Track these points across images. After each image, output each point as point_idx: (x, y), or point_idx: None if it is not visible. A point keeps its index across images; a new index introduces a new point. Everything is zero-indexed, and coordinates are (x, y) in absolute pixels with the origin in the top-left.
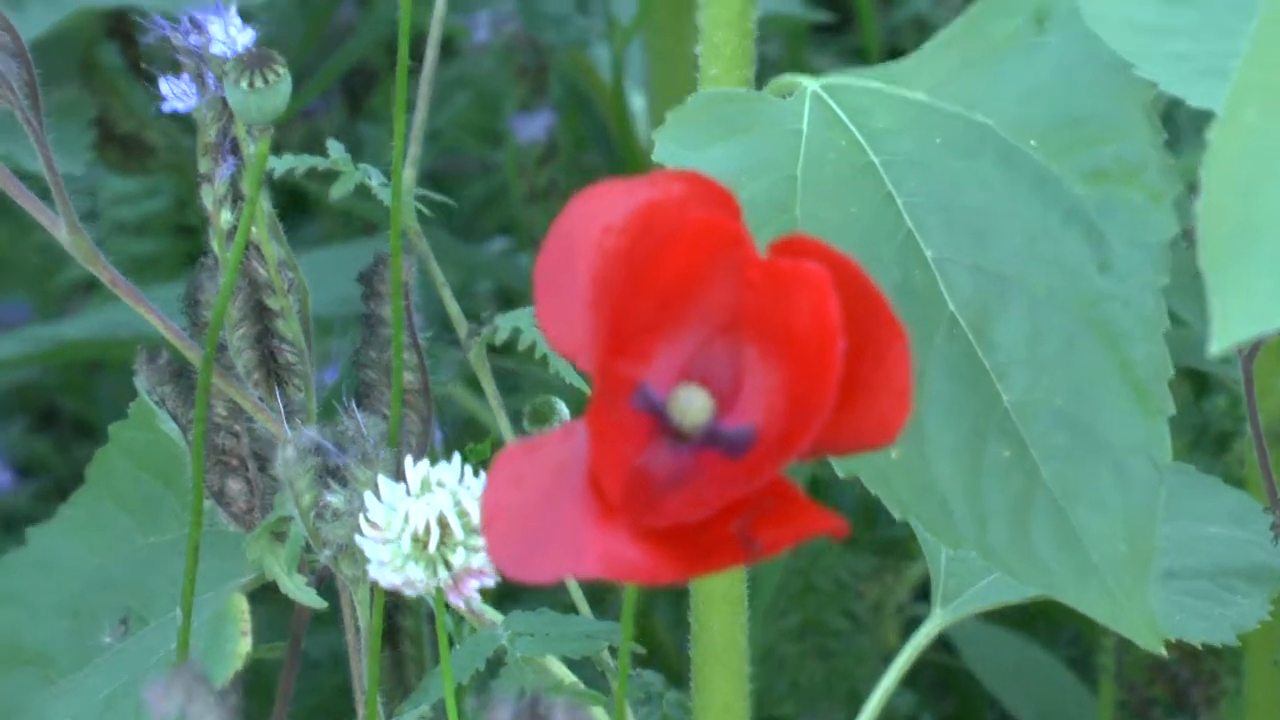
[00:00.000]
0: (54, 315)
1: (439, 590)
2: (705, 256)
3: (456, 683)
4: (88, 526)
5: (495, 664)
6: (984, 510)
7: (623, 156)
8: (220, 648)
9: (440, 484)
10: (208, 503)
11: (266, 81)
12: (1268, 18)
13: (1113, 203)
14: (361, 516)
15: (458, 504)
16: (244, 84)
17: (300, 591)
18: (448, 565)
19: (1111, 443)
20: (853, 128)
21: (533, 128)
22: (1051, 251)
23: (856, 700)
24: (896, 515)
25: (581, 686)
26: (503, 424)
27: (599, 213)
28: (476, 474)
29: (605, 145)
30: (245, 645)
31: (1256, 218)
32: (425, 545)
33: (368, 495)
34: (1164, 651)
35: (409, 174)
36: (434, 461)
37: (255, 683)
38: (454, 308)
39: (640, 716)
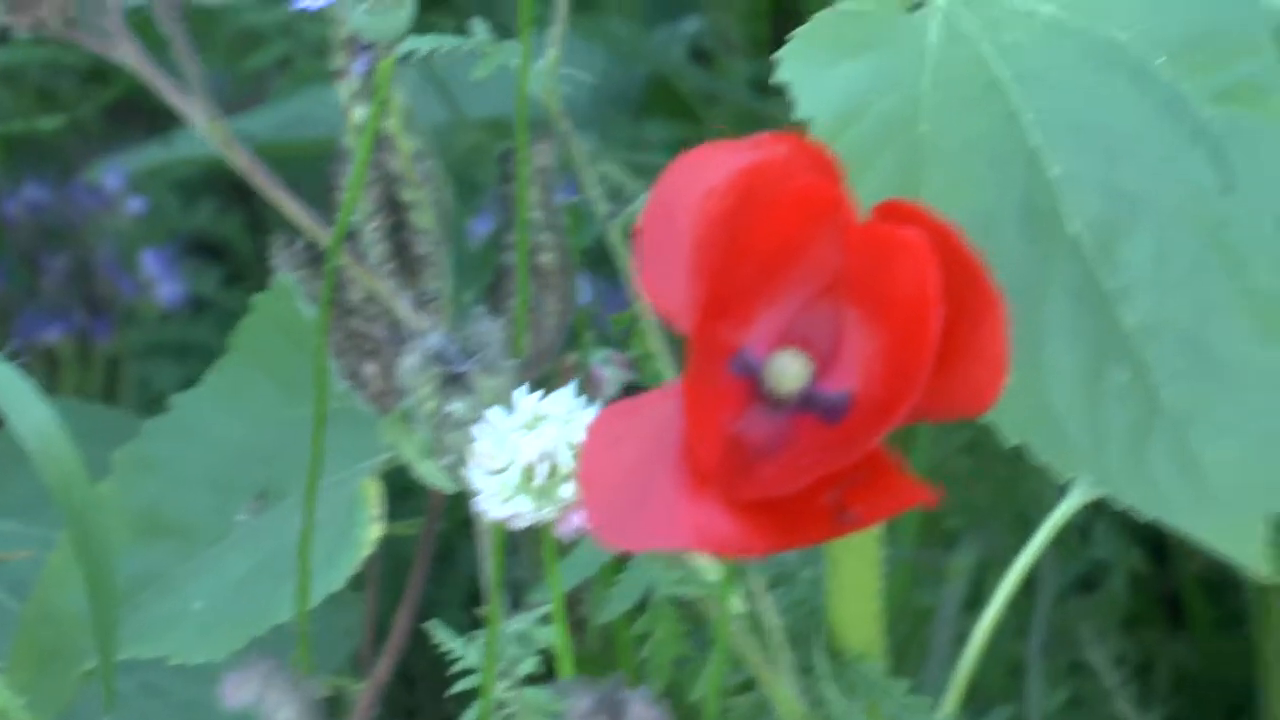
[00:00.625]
0: (249, 94)
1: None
2: (807, 221)
3: (584, 576)
4: (232, 397)
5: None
6: (1101, 434)
7: None
8: (350, 533)
9: (550, 416)
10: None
11: (386, 2)
12: None
13: (1240, 125)
14: (470, 449)
15: (567, 437)
16: (367, 3)
17: (434, 475)
18: (555, 499)
19: (1233, 367)
20: (981, 43)
21: None
22: (1178, 173)
23: (1025, 523)
24: (1009, 440)
25: (711, 575)
26: (644, 305)
27: (701, 176)
28: (591, 402)
29: None
30: (376, 532)
31: None
32: (533, 478)
33: (477, 428)
34: (1272, 578)
35: (552, 53)
36: (575, 342)
37: (394, 557)
38: (594, 191)
39: (776, 596)
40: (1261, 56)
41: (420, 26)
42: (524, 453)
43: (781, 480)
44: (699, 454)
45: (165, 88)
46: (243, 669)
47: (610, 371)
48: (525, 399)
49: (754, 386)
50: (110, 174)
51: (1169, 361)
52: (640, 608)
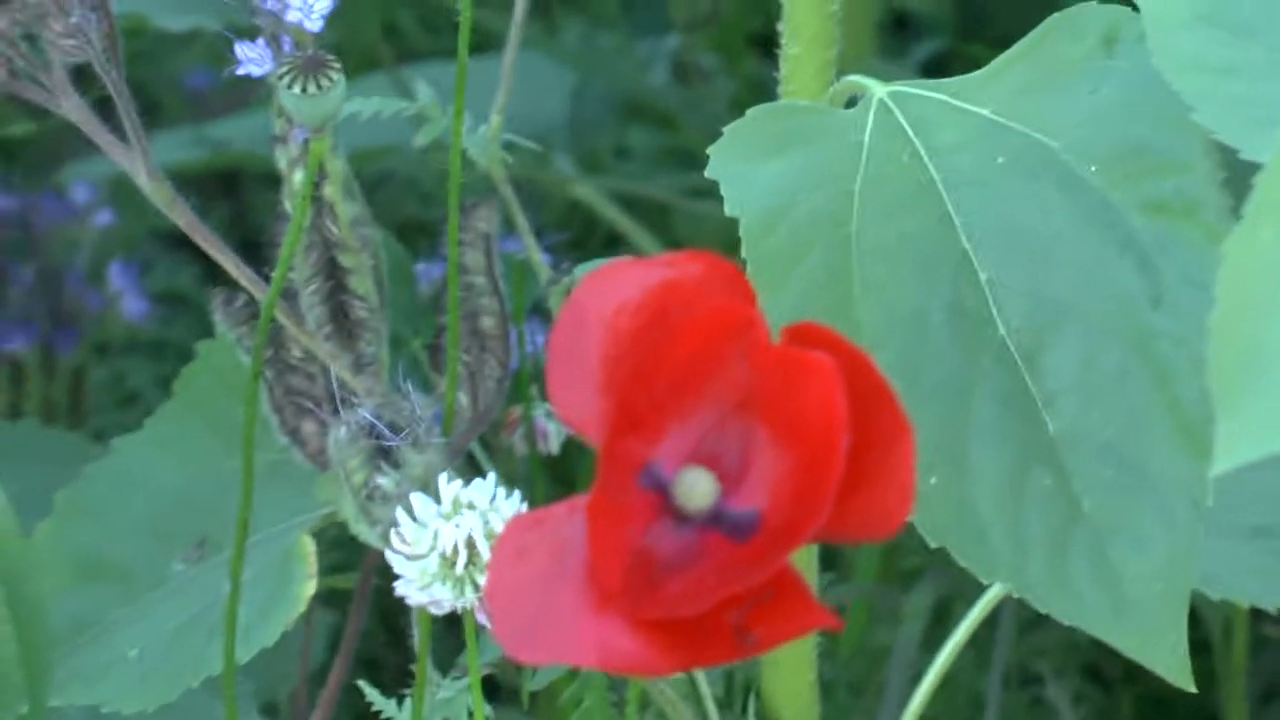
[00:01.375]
0: (231, 96)
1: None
2: (717, 342)
3: None
4: (174, 443)
5: None
6: (1022, 539)
7: None
8: (285, 589)
9: (471, 505)
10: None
11: (320, 87)
12: None
13: (1170, 237)
14: (393, 533)
15: (487, 525)
16: (297, 88)
17: (369, 535)
18: (475, 586)
19: (1156, 480)
20: (916, 141)
21: None
22: (1106, 281)
23: None
24: (930, 543)
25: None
26: None
27: (613, 291)
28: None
29: None
30: (310, 588)
31: (1267, 342)
32: (453, 565)
33: (399, 511)
34: (1194, 689)
35: (496, 120)
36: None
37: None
38: (536, 256)
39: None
40: (1193, 172)
41: (546, 28)
42: (444, 541)
43: (686, 599)
44: (604, 569)
45: (107, 143)
46: None
47: (554, 425)
48: (448, 486)
49: (662, 502)
50: (79, 184)
51: (1091, 470)
52: (572, 675)
